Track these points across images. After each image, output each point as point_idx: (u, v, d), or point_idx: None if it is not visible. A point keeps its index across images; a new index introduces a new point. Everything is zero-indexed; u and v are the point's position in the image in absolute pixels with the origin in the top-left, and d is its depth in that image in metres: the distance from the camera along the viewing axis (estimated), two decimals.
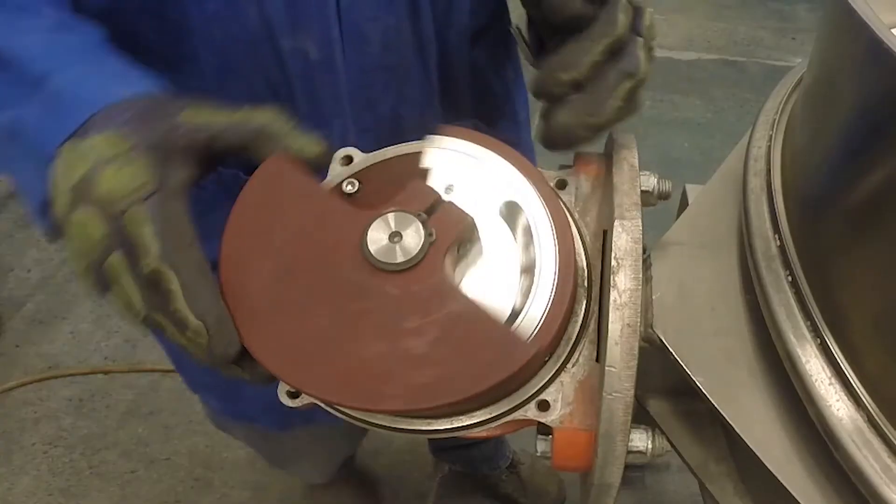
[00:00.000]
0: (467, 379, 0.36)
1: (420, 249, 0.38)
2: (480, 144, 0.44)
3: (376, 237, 0.39)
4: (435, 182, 0.42)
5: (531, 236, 0.41)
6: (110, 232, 0.36)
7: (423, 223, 0.39)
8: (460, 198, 0.42)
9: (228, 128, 0.41)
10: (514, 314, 0.39)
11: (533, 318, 0.38)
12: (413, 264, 0.38)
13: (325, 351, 0.37)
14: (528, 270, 0.40)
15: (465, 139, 0.44)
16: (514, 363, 0.36)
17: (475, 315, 0.37)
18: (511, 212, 0.43)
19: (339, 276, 0.39)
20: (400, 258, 0.38)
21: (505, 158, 0.44)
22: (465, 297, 0.38)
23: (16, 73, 0.42)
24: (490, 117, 0.78)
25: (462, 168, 0.44)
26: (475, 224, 0.41)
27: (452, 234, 0.39)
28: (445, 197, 0.41)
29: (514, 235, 0.42)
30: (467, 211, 0.41)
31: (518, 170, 0.43)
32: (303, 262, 0.39)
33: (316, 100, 0.61)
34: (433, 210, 0.40)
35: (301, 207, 0.41)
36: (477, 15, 0.68)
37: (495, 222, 0.42)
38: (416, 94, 0.66)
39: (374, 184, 0.43)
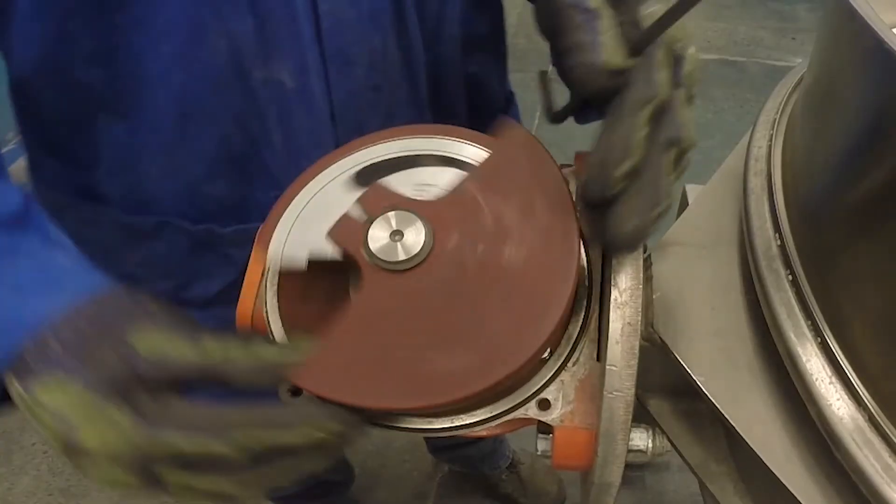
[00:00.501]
0: (485, 367, 0.36)
1: (426, 238, 0.38)
2: (478, 144, 0.44)
3: (382, 245, 0.39)
4: (434, 186, 0.42)
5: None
6: (142, 477, 0.33)
7: (424, 224, 0.39)
8: (430, 190, 0.42)
9: (193, 368, 0.35)
10: None
11: None
12: (427, 254, 0.38)
13: (336, 353, 0.37)
14: None
15: (462, 138, 0.44)
16: (526, 352, 0.36)
17: (483, 308, 0.38)
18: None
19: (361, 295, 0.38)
20: (421, 243, 0.39)
21: (456, 138, 0.44)
22: (470, 292, 0.38)
23: None
24: (487, 127, 0.76)
25: (458, 168, 0.44)
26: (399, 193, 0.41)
27: (390, 195, 0.40)
28: (419, 193, 0.42)
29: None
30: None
31: (473, 143, 0.44)
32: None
33: (292, 131, 0.58)
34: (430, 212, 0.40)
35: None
36: (469, 24, 0.66)
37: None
38: (406, 110, 0.63)
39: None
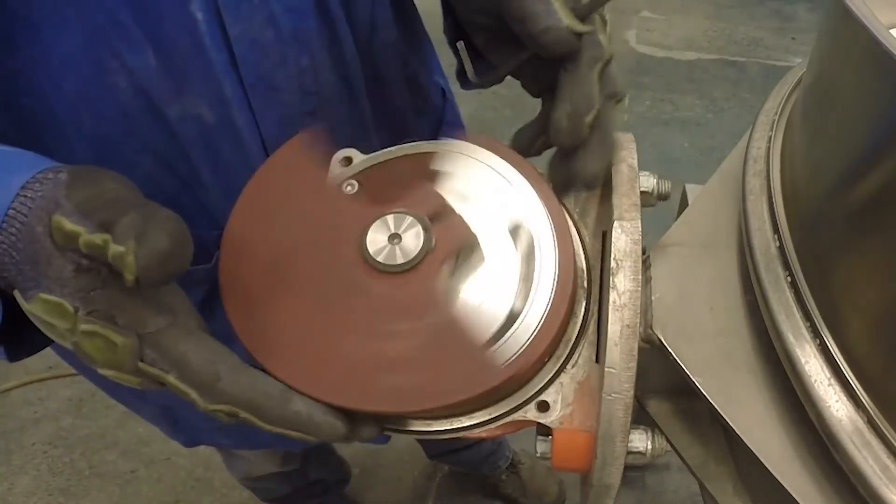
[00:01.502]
0: (438, 390, 0.36)
1: (417, 254, 0.38)
2: (478, 145, 0.44)
3: (376, 238, 0.39)
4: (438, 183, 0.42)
5: (530, 238, 0.42)
6: (145, 379, 0.34)
7: (426, 229, 0.39)
8: (458, 200, 0.42)
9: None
10: (513, 316, 0.39)
11: (530, 322, 0.39)
12: (408, 268, 0.38)
13: (311, 345, 0.37)
14: (528, 272, 0.40)
15: (461, 139, 0.44)
16: (481, 386, 0.36)
17: (457, 330, 0.38)
18: (510, 213, 0.43)
19: (334, 272, 0.39)
20: (399, 259, 0.38)
21: (503, 159, 0.44)
22: (450, 310, 0.38)
23: None
24: (433, 129, 0.74)
25: (461, 169, 0.44)
26: (478, 241, 0.41)
27: (452, 247, 0.39)
28: (448, 198, 0.42)
29: (512, 237, 0.42)
30: (469, 226, 0.41)
31: (516, 170, 0.43)
32: (301, 253, 0.40)
33: (221, 167, 0.54)
34: (438, 217, 0.40)
35: (307, 199, 0.41)
36: (401, 24, 0.63)
37: (494, 223, 0.42)
38: (349, 129, 0.61)
39: (373, 185, 0.43)
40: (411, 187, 0.41)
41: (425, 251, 0.38)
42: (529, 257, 0.41)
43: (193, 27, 0.47)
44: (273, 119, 0.54)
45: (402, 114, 0.68)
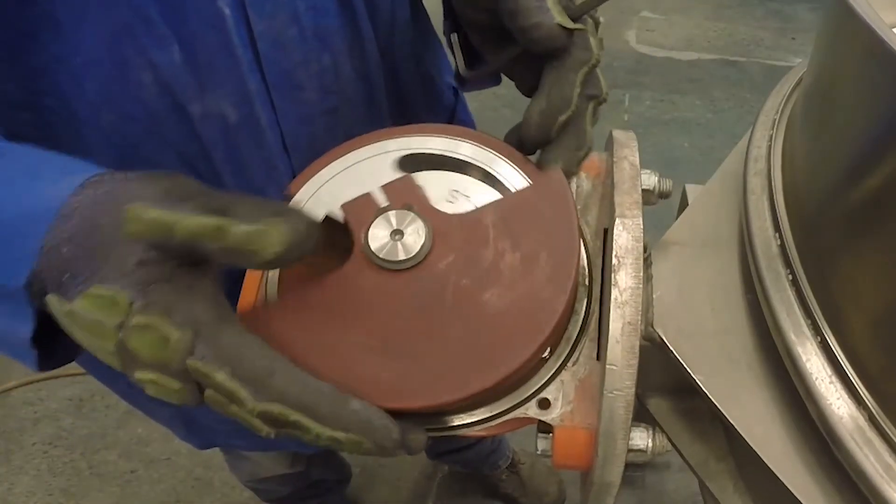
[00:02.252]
0: (561, 228, 0.38)
1: (420, 249, 0.38)
2: (522, 171, 0.44)
3: (377, 234, 0.39)
4: (436, 188, 0.42)
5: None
6: (187, 383, 0.33)
7: (427, 224, 0.39)
8: (460, 200, 0.42)
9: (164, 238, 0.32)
10: None
11: None
12: (411, 265, 0.38)
13: (315, 345, 0.37)
14: None
15: (461, 138, 0.44)
16: (486, 381, 0.36)
17: (506, 202, 0.40)
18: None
19: (337, 269, 0.38)
20: (401, 255, 0.38)
21: (505, 157, 0.44)
22: (482, 207, 0.40)
23: None
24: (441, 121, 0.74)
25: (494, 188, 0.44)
26: (479, 236, 0.41)
27: (414, 192, 0.40)
28: (450, 199, 0.41)
29: None
30: (406, 175, 0.41)
31: (518, 168, 0.43)
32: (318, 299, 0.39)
33: (242, 166, 0.54)
34: (439, 214, 0.40)
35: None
36: (417, 24, 0.63)
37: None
38: (367, 128, 0.58)
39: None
40: (356, 200, 0.41)
41: (427, 246, 0.38)
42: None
43: (221, 23, 0.47)
44: (294, 117, 0.54)
45: (417, 113, 0.68)
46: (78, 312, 0.32)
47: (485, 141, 0.44)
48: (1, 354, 0.38)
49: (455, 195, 0.42)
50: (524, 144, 0.44)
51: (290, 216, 0.32)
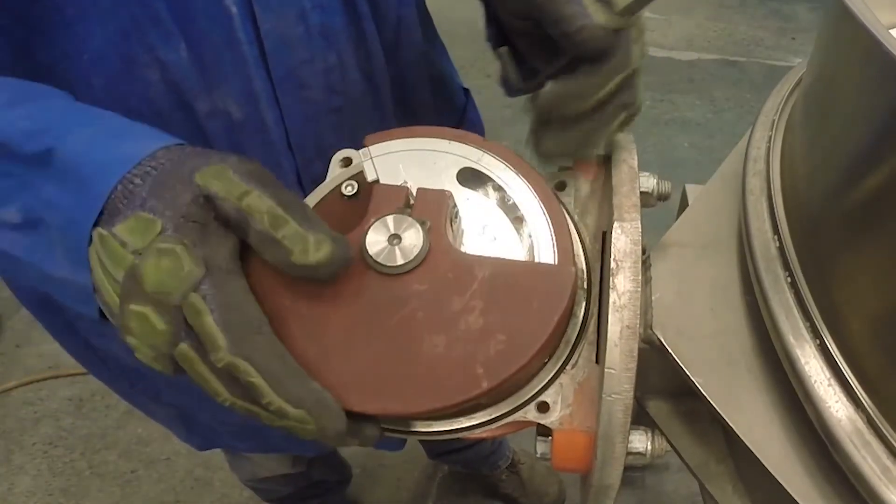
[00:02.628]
0: (536, 323, 0.37)
1: (417, 254, 0.38)
2: (478, 146, 0.44)
3: (375, 238, 0.39)
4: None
5: (530, 238, 0.42)
6: (172, 325, 0.33)
7: (425, 228, 0.39)
8: (484, 238, 0.42)
9: (247, 213, 0.35)
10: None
11: (546, 246, 0.39)
12: (408, 269, 0.38)
13: (311, 348, 0.37)
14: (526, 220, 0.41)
15: (461, 142, 0.44)
16: (567, 286, 0.37)
17: (508, 266, 0.38)
18: (510, 214, 0.43)
19: (358, 301, 0.38)
20: (399, 260, 0.38)
21: (502, 160, 0.44)
22: (487, 258, 0.39)
23: (10, 157, 0.37)
24: (454, 127, 0.74)
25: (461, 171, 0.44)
26: (452, 196, 0.41)
27: (441, 212, 0.39)
28: (477, 232, 0.42)
29: (511, 236, 0.42)
30: (441, 190, 0.41)
31: (516, 171, 0.43)
32: (318, 303, 0.39)
33: None
34: (409, 202, 0.40)
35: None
36: (423, 25, 0.63)
37: (493, 223, 0.42)
38: (373, 128, 0.58)
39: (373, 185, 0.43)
40: (375, 193, 0.41)
41: (424, 251, 0.38)
42: (528, 256, 0.41)
43: (228, 21, 0.48)
44: (299, 116, 0.54)
45: (425, 114, 0.68)
46: (107, 238, 0.34)
47: (544, 196, 0.43)
48: (63, 302, 0.40)
49: (484, 230, 0.42)
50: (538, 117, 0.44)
51: (340, 241, 0.35)
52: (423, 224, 0.39)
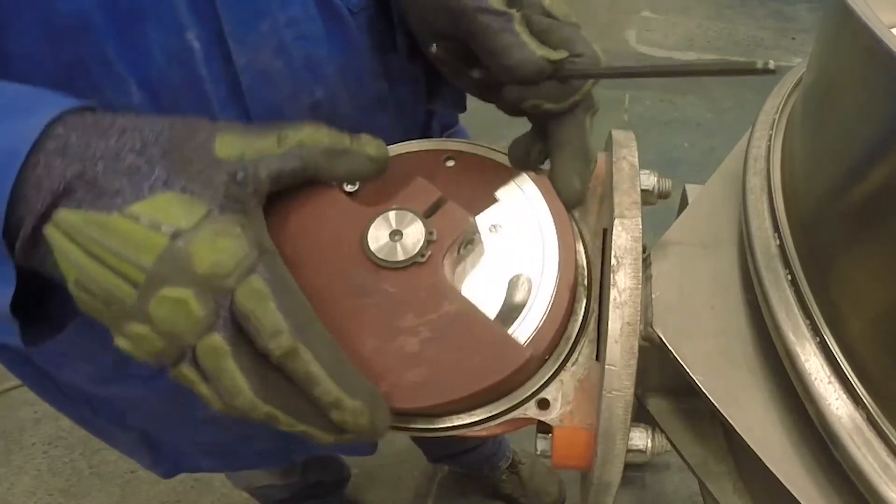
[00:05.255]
0: (460, 380, 0.36)
1: (420, 248, 0.38)
2: (477, 145, 0.44)
3: (377, 235, 0.39)
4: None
5: (532, 235, 0.42)
6: (212, 312, 0.31)
7: (424, 222, 0.39)
8: (459, 197, 0.42)
9: (285, 161, 0.35)
10: (515, 313, 0.39)
11: (533, 317, 0.39)
12: (412, 263, 0.38)
13: None
14: (529, 269, 0.40)
15: (458, 139, 0.45)
16: (509, 366, 0.36)
17: (471, 316, 0.37)
18: (512, 208, 0.43)
19: (339, 272, 0.39)
20: (400, 256, 0.38)
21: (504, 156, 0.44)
22: (462, 299, 0.38)
23: None
24: (425, 118, 0.69)
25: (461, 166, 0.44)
26: (476, 226, 0.41)
27: (453, 235, 0.39)
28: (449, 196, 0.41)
29: (514, 232, 0.42)
30: (467, 213, 0.41)
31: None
32: (303, 255, 0.39)
33: None
34: (435, 209, 0.40)
35: (304, 201, 0.41)
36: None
37: (496, 219, 0.42)
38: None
39: (374, 182, 0.43)
40: (411, 184, 0.41)
41: (426, 247, 0.38)
42: (532, 252, 0.41)
43: (188, 57, 0.44)
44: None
45: (412, 122, 0.66)
46: (114, 222, 0.31)
47: (546, 192, 0.44)
48: None
49: (492, 228, 0.42)
50: (566, 207, 0.43)
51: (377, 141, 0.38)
52: (429, 234, 0.39)
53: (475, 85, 0.47)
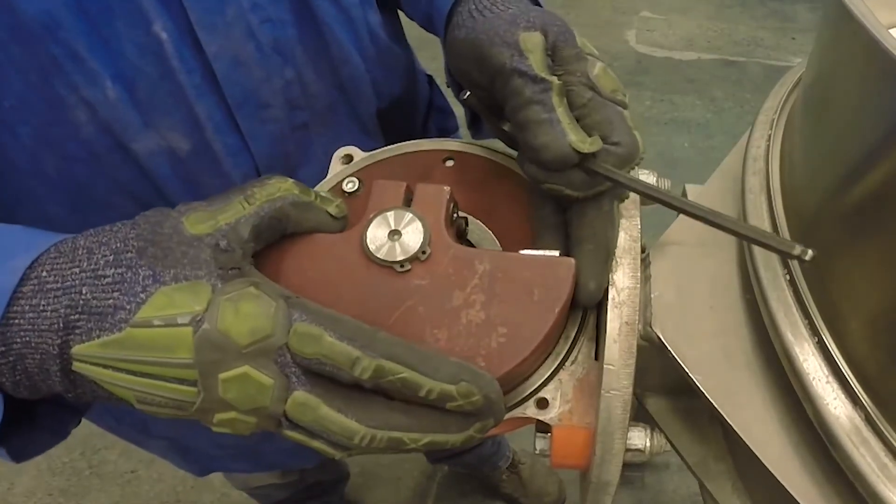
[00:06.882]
0: (538, 314, 0.36)
1: (418, 249, 0.38)
2: (477, 145, 0.44)
3: (377, 245, 0.38)
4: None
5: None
6: (279, 375, 0.30)
7: (425, 224, 0.39)
8: (459, 195, 0.42)
9: (259, 216, 0.34)
10: None
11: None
12: (423, 251, 0.38)
13: None
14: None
15: (457, 140, 0.45)
16: (567, 277, 0.37)
17: (507, 260, 0.38)
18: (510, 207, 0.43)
19: (364, 297, 0.38)
20: (410, 251, 0.38)
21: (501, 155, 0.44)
22: (487, 252, 0.39)
23: None
24: (423, 115, 0.71)
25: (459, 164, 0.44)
26: (451, 192, 0.41)
27: (439, 208, 0.39)
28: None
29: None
30: (440, 185, 0.40)
31: (515, 167, 0.44)
32: (303, 252, 0.39)
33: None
34: (410, 198, 0.40)
35: (289, 248, 0.39)
36: (390, 23, 0.60)
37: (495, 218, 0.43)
38: (349, 137, 0.56)
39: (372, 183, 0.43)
40: (373, 190, 0.41)
41: (425, 246, 0.38)
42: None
43: (158, 49, 0.44)
44: (264, 138, 0.52)
45: (406, 109, 0.66)
46: (131, 336, 0.30)
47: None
48: None
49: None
50: (578, 305, 0.40)
51: (337, 200, 0.38)
52: (423, 219, 0.39)
53: (504, 136, 0.44)
